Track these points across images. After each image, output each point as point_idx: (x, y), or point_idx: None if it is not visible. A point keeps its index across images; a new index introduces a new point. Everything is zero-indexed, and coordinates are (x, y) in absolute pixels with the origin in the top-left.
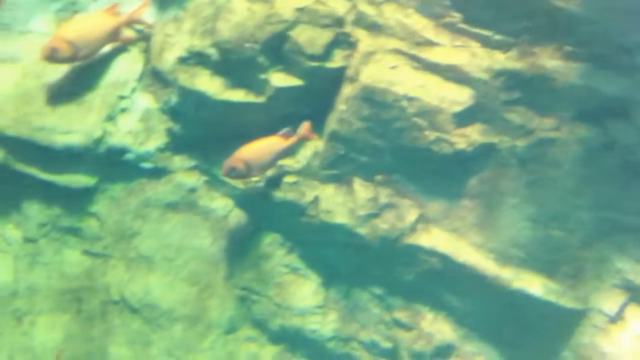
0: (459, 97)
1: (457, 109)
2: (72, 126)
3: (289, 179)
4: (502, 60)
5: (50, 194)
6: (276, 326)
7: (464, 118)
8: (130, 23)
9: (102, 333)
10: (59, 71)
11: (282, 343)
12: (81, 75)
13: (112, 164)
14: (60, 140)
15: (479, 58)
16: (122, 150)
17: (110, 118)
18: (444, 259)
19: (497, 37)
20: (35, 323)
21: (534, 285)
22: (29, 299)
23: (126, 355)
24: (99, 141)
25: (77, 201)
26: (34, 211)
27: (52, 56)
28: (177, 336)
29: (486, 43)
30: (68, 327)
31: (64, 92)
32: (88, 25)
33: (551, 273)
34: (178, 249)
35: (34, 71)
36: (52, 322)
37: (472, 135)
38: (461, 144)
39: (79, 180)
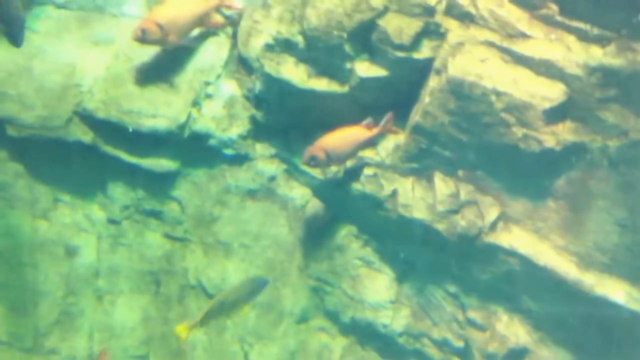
0: (551, 93)
1: (548, 105)
2: (159, 110)
3: (368, 170)
4: (600, 55)
5: (134, 177)
6: (348, 318)
7: (555, 115)
8: (220, 7)
9: (178, 316)
10: (149, 54)
11: (352, 335)
12: (169, 58)
13: (195, 149)
14: (147, 123)
15: (574, 53)
16: (206, 136)
17: (196, 104)
18: (524, 260)
19: (595, 31)
20: (115, 303)
21: (617, 292)
22: (110, 279)
23: (201, 339)
24: (183, 126)
25: (159, 185)
26: (118, 193)
27: (141, 38)
28: (250, 323)
29: (583, 37)
30: (146, 309)
31: (153, 76)
32: (179, 9)
33: (636, 280)
34: (255, 237)
35: (126, 54)
36: (131, 302)
37: (562, 134)
38: (550, 142)
39: (163, 164)
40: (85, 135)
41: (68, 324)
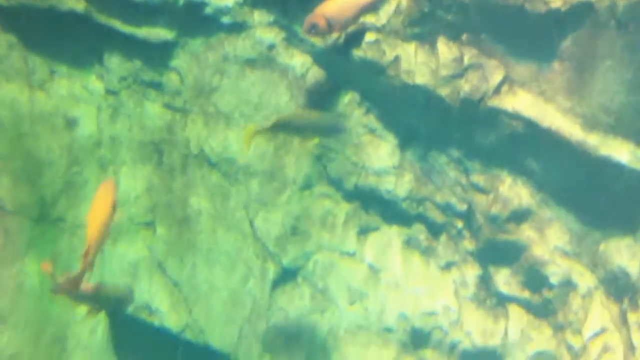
0: None
1: None
2: None
3: (369, 36)
4: None
5: (131, 47)
6: (351, 185)
7: None
8: None
9: (182, 185)
10: None
11: (356, 201)
12: None
13: (191, 18)
14: None
15: None
16: (201, 4)
17: None
18: (528, 123)
19: None
20: (119, 172)
21: (621, 152)
22: (112, 149)
23: (206, 207)
24: None
25: (157, 55)
26: (115, 64)
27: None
28: (254, 191)
29: None
30: (149, 178)
31: None
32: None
33: None
34: (256, 106)
35: None
36: (134, 172)
37: None
38: (556, 3)
39: (159, 33)
40: (77, 3)
41: (73, 193)
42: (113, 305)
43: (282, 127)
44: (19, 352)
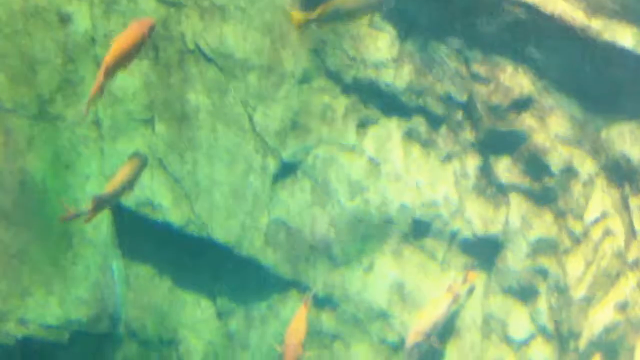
0: None
1: None
2: None
3: None
4: None
5: None
6: (350, 78)
7: None
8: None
9: (179, 81)
10: None
11: (355, 94)
12: None
13: None
14: None
15: None
16: None
17: None
18: (530, 9)
19: None
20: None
21: (625, 37)
22: (107, 46)
23: (204, 102)
24: None
25: None
26: None
27: None
28: (252, 85)
29: None
30: (146, 74)
31: None
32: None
33: None
34: None
35: None
36: (130, 68)
37: None
38: None
39: None
40: None
41: (70, 90)
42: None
43: (330, 15)
44: (25, 249)
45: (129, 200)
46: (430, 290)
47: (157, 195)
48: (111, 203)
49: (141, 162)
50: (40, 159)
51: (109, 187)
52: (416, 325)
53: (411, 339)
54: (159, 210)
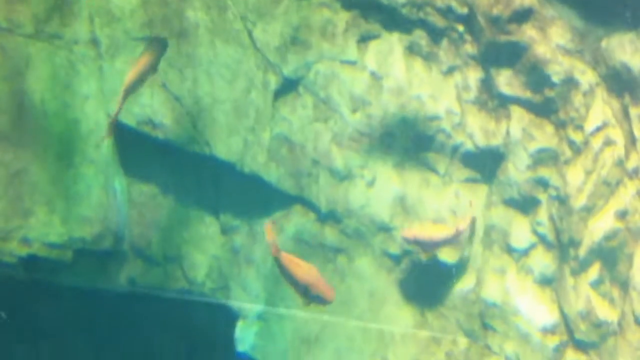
0: None
1: None
2: None
3: None
4: None
5: None
6: None
7: None
8: None
9: None
10: None
11: (355, 9)
12: None
13: None
14: None
15: None
16: None
17: None
18: None
19: None
20: None
21: None
22: None
23: (203, 19)
24: None
25: None
26: None
27: None
28: (251, 1)
29: None
30: None
31: None
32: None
33: None
34: None
35: None
36: None
37: None
38: None
39: None
40: None
41: (67, 9)
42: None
43: None
44: (25, 169)
45: (129, 119)
46: (433, 203)
47: (157, 114)
48: (136, 90)
49: (161, 45)
50: (38, 79)
51: (131, 74)
52: (415, 228)
53: (406, 232)
54: (160, 128)
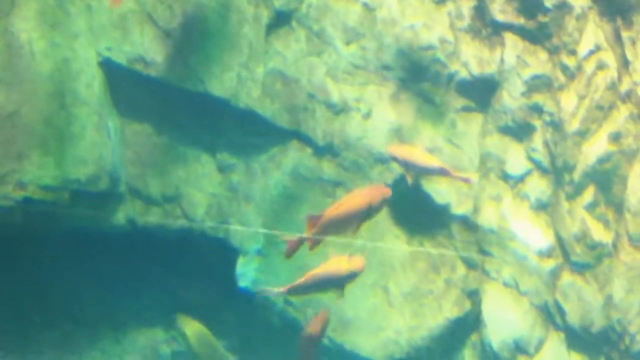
0: None
1: None
2: None
3: None
4: None
5: None
6: None
7: None
8: None
9: None
10: None
11: None
12: None
13: None
14: None
15: None
16: None
17: None
18: None
19: None
20: None
21: None
22: None
23: None
24: None
25: None
26: None
27: None
28: None
29: None
30: None
31: None
32: None
33: None
34: None
35: None
36: None
37: None
38: None
39: None
40: None
41: None
42: None
43: None
44: (17, 110)
45: (119, 57)
46: (429, 133)
47: (149, 51)
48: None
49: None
50: (24, 19)
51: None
52: (403, 147)
53: (392, 149)
54: (152, 66)
